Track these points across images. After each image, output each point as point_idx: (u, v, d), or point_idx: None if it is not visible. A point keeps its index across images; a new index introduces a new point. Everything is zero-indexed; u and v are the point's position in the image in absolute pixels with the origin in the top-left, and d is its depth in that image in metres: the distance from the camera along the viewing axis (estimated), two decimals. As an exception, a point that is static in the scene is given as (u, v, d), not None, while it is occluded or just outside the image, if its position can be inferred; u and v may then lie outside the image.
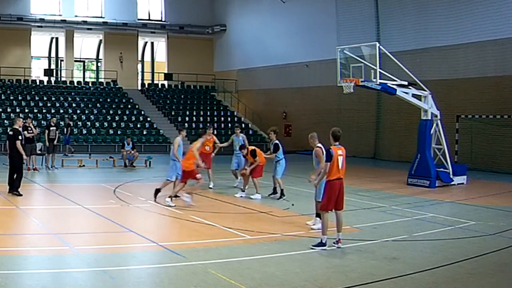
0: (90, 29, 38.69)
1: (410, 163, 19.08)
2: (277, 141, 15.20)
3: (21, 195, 14.32)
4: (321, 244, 9.44)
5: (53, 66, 40.40)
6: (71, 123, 23.06)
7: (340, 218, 9.78)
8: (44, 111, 33.02)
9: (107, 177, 19.03)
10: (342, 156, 9.69)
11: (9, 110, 32.41)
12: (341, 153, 9.68)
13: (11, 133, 14.94)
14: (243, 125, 37.35)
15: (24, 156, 14.65)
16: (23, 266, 8.11)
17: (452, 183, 18.77)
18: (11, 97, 34.08)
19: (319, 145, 10.93)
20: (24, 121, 20.45)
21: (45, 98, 34.81)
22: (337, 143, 9.75)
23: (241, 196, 15.30)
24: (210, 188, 16.88)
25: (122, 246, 9.66)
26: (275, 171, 15.11)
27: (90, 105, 35.28)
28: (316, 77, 33.05)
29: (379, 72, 17.18)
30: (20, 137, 14.60)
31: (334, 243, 9.61)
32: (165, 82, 41.30)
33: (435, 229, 11.45)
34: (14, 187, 14.37)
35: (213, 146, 17.50)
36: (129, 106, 36.50)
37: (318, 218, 11.26)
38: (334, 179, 9.61)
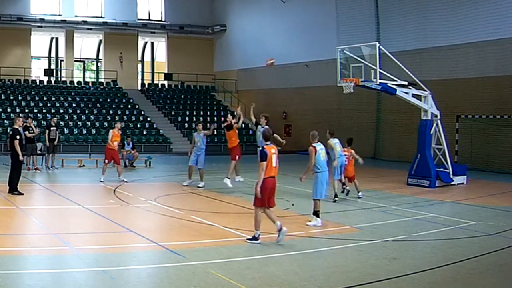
0: (90, 29, 38.68)
1: (410, 163, 19.08)
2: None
3: (22, 194, 14.35)
4: (254, 238, 9.68)
5: (53, 66, 40.40)
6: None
7: (272, 216, 9.91)
8: (44, 111, 33.01)
9: (107, 177, 18.99)
10: (275, 154, 9.93)
11: (9, 110, 32.40)
12: (274, 151, 9.93)
13: (11, 132, 15.04)
14: (243, 125, 37.34)
15: (20, 157, 14.60)
16: (23, 266, 8.12)
17: (452, 183, 18.77)
18: (11, 97, 34.07)
19: (314, 144, 11.50)
20: (24, 121, 20.49)
21: (45, 98, 34.80)
22: (268, 142, 10.04)
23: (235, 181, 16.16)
24: (125, 181, 17.69)
25: (122, 246, 9.66)
26: None
27: (90, 105, 35.26)
28: (316, 77, 33.03)
29: (379, 72, 17.18)
30: (18, 137, 14.62)
31: (249, 238, 9.82)
32: (165, 82, 41.29)
33: (435, 229, 11.45)
34: (13, 187, 14.39)
35: (120, 142, 18.64)
36: (129, 106, 36.49)
37: (314, 216, 11.58)
38: (268, 177, 9.78)
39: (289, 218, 12.34)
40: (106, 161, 18.06)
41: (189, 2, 40.89)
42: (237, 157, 16.32)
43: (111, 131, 18.39)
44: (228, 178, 16.16)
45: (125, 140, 24.90)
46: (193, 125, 35.64)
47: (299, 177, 11.56)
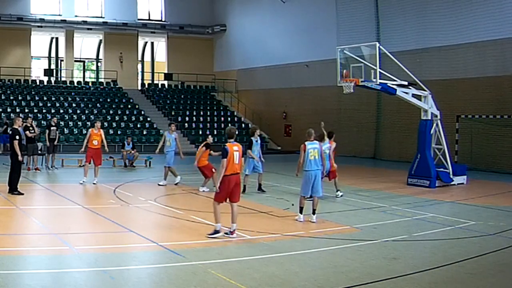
0: (90, 29, 38.68)
1: (410, 163, 19.08)
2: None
3: (22, 194, 14.34)
4: (216, 232, 9.95)
5: (53, 66, 40.39)
6: (8, 122, 23.30)
7: (235, 210, 10.18)
8: (44, 111, 33.02)
9: (107, 177, 19.02)
10: (238, 152, 10.14)
11: (9, 110, 32.38)
12: (236, 149, 10.15)
13: (10, 132, 15.00)
14: (243, 125, 37.40)
15: (19, 157, 14.57)
16: (23, 266, 8.11)
17: (452, 183, 18.76)
18: (11, 97, 34.07)
19: (307, 142, 11.83)
20: (24, 121, 20.48)
21: (45, 98, 34.80)
22: (231, 140, 10.25)
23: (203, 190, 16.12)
24: (94, 183, 17.14)
25: (122, 246, 9.66)
26: None
27: (90, 105, 35.26)
28: (316, 77, 33.03)
29: (379, 72, 17.18)
30: (17, 137, 14.60)
31: (226, 233, 10.08)
32: (165, 82, 41.30)
33: (435, 229, 11.45)
34: (12, 187, 14.38)
35: (101, 141, 17.64)
36: (129, 106, 36.49)
37: (300, 214, 11.89)
38: (231, 174, 10.02)
39: (289, 218, 12.35)
40: (86, 161, 17.46)
41: (189, 2, 40.89)
42: (213, 169, 16.03)
43: (89, 130, 17.93)
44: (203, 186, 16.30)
45: (125, 140, 24.93)
46: (193, 125, 35.77)
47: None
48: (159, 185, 17.26)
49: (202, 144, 16.52)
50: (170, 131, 17.95)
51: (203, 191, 16.03)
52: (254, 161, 16.07)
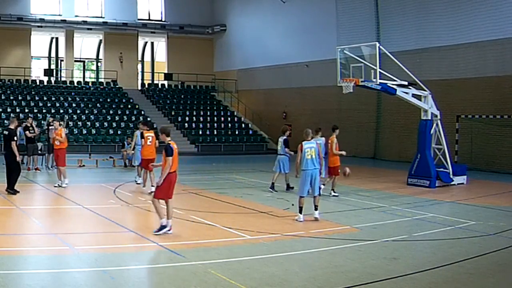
0: (90, 29, 38.69)
1: (410, 163, 19.07)
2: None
3: (17, 192, 14.30)
4: (163, 227, 10.11)
5: (53, 66, 40.39)
6: None
7: (170, 206, 10.35)
8: (44, 111, 33.00)
9: (107, 177, 19.02)
10: (177, 149, 10.47)
11: (9, 110, 32.38)
12: (176, 147, 10.46)
13: (6, 133, 14.74)
14: (243, 125, 37.40)
15: (18, 158, 14.51)
16: (23, 266, 8.12)
17: (452, 183, 18.76)
18: (11, 97, 34.08)
19: (304, 141, 11.97)
20: (25, 121, 20.44)
21: (45, 98, 34.81)
22: (168, 138, 10.49)
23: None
24: (62, 186, 16.08)
25: (122, 246, 9.66)
26: None
27: (90, 105, 35.28)
28: (316, 77, 33.02)
29: (379, 72, 17.18)
30: (15, 138, 14.54)
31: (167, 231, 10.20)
32: (165, 82, 41.31)
33: (435, 229, 11.44)
34: (9, 185, 14.35)
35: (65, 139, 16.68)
36: (129, 106, 36.50)
37: (300, 214, 11.90)
38: (174, 171, 10.30)
39: (289, 218, 12.35)
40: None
41: (189, 2, 40.90)
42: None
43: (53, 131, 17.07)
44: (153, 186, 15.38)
45: (125, 140, 24.93)
46: (193, 125, 35.77)
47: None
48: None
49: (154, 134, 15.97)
50: (140, 129, 17.66)
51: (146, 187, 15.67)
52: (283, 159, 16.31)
